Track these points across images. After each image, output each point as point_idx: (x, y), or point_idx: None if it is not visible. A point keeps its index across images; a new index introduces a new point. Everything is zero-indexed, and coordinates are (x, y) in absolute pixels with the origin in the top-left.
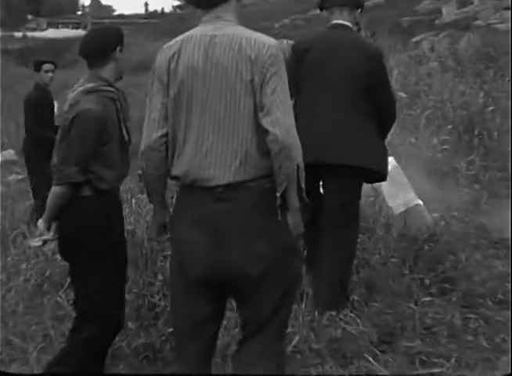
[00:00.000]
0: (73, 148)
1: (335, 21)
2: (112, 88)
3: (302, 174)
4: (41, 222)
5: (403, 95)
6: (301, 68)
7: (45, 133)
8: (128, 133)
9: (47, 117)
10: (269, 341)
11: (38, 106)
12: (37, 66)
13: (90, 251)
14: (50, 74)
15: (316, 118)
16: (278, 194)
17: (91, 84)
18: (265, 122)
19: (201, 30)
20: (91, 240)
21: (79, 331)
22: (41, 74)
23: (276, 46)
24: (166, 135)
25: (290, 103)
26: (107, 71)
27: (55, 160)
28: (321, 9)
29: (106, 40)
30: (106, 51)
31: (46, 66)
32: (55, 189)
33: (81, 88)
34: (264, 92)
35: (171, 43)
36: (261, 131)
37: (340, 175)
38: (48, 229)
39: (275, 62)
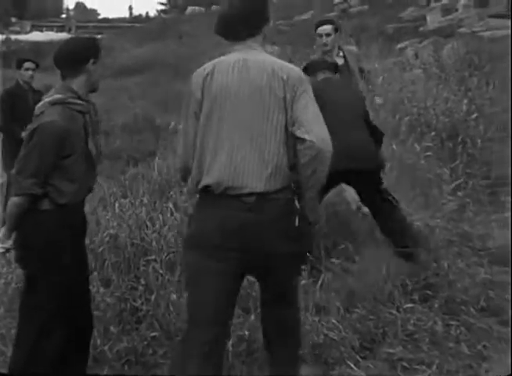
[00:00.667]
0: (32, 160)
1: (322, 76)
2: (80, 101)
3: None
4: (2, 230)
5: (379, 101)
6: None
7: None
8: (96, 146)
9: (26, 116)
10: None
11: (15, 102)
12: (19, 64)
13: (43, 264)
14: (30, 72)
15: (340, 134)
16: (297, 202)
17: (59, 96)
18: (300, 133)
19: (233, 56)
20: (44, 254)
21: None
22: (22, 71)
23: (302, 72)
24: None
25: (321, 116)
26: (78, 83)
27: (14, 169)
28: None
29: (80, 51)
30: (78, 63)
31: (27, 64)
32: (12, 200)
33: (49, 99)
34: (296, 108)
35: (204, 66)
36: (290, 145)
37: (365, 178)
38: (10, 237)
39: (303, 82)
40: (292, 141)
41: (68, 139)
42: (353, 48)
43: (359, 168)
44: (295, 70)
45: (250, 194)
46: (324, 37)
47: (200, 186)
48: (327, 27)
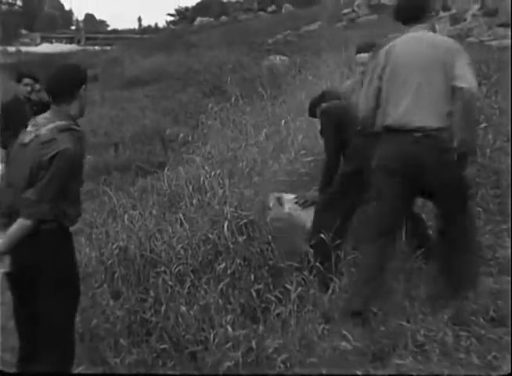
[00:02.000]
0: (51, 186)
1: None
2: (79, 128)
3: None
4: None
5: None
6: None
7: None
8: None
9: (20, 128)
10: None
11: (10, 116)
12: (19, 79)
13: (51, 282)
14: (28, 88)
15: None
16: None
17: (63, 122)
18: (460, 82)
19: (409, 34)
20: (52, 272)
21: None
22: (20, 86)
23: (458, 43)
24: (376, 104)
25: (475, 75)
26: (73, 108)
27: (27, 193)
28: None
29: (75, 78)
30: (73, 89)
31: (26, 80)
32: (24, 223)
33: (55, 125)
34: (455, 67)
35: (389, 43)
36: (448, 97)
37: None
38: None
39: (461, 50)
40: (450, 94)
41: (80, 166)
42: None
43: None
44: (453, 42)
45: (418, 131)
46: (361, 67)
47: (383, 125)
48: (363, 56)
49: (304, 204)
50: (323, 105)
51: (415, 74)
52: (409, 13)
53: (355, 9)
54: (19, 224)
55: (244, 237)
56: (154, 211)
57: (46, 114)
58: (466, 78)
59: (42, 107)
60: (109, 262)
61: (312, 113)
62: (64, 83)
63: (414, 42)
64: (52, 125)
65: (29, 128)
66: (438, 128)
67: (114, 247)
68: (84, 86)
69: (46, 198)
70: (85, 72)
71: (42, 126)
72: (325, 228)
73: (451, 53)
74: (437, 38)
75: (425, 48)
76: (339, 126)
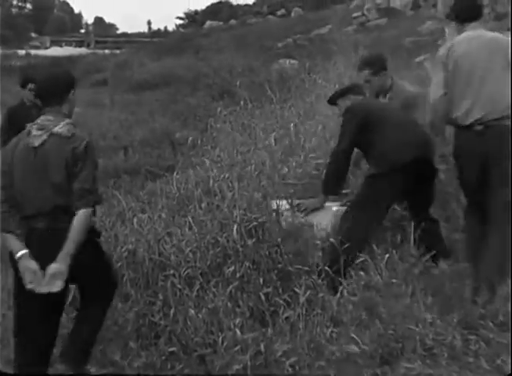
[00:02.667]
0: (93, 174)
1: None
2: None
3: None
4: (66, 258)
5: None
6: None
7: None
8: None
9: None
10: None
11: (17, 120)
12: (24, 83)
13: (96, 260)
14: (33, 93)
15: (410, 126)
16: None
17: (69, 120)
18: None
19: (466, 34)
20: (96, 250)
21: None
22: (25, 91)
23: None
24: (444, 94)
25: None
26: (66, 109)
27: (77, 184)
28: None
29: (66, 82)
30: (64, 93)
31: (30, 86)
32: (86, 211)
33: (68, 121)
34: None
35: (449, 43)
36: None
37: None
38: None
39: None
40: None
41: None
42: (409, 88)
43: (428, 157)
44: (508, 42)
45: (479, 124)
46: (364, 85)
47: (452, 116)
48: (362, 74)
49: (304, 212)
50: (348, 103)
51: (475, 72)
52: (467, 13)
53: (365, 12)
54: (83, 215)
55: (253, 240)
56: (163, 215)
57: (49, 117)
58: None
59: None
60: (118, 264)
61: (332, 102)
62: (54, 88)
63: (470, 41)
64: (65, 122)
65: (35, 132)
66: (497, 119)
67: (123, 250)
68: (72, 91)
69: (96, 184)
70: (74, 77)
71: (53, 126)
72: (355, 232)
73: (507, 53)
74: (492, 37)
75: (482, 47)
76: (365, 126)
